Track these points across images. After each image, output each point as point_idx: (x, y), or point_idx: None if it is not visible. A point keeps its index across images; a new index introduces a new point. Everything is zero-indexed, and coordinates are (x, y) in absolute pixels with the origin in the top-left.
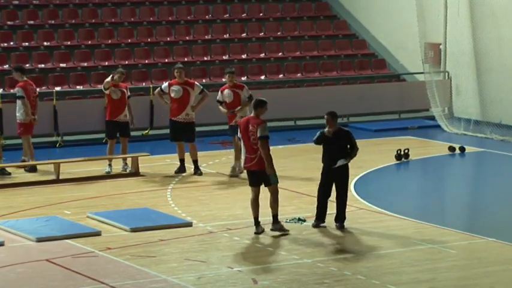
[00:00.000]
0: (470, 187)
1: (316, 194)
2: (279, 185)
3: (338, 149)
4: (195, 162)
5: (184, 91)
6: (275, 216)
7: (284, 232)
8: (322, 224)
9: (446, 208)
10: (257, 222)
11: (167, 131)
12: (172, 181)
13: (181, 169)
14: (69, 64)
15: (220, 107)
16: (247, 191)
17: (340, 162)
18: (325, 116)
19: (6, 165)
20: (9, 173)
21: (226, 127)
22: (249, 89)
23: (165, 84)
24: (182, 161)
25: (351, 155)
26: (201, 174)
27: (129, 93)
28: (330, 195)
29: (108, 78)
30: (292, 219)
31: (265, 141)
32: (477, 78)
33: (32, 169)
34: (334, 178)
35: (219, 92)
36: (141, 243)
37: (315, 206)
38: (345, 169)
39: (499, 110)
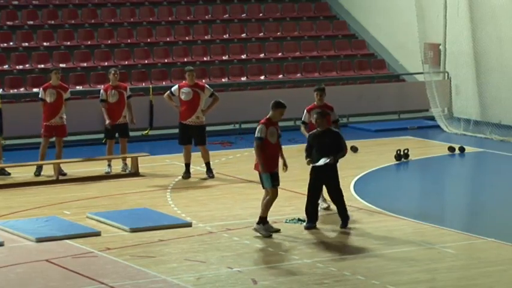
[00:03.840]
0: (470, 187)
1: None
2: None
3: (326, 148)
4: (208, 164)
5: (194, 93)
6: (261, 218)
7: (266, 235)
8: (314, 225)
9: (446, 208)
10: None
11: (167, 131)
12: (171, 181)
13: (188, 174)
14: (69, 64)
15: (304, 130)
16: (246, 191)
17: (322, 161)
18: (315, 116)
19: (6, 166)
20: (9, 173)
21: (227, 127)
22: (250, 89)
23: (175, 87)
24: (188, 165)
25: (336, 156)
26: (213, 177)
27: (129, 93)
28: (320, 196)
29: (103, 96)
30: (292, 220)
31: (256, 143)
32: (477, 79)
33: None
34: (324, 180)
35: (305, 112)
36: (141, 243)
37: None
38: (333, 170)
39: (499, 110)
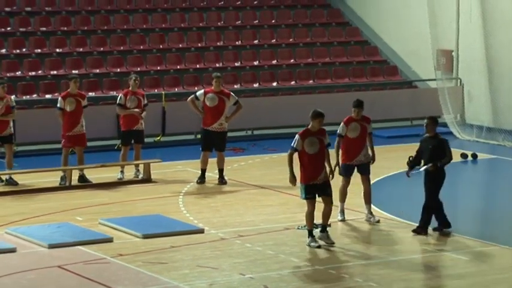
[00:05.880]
0: (483, 194)
1: None
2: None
3: (428, 154)
4: (221, 171)
5: (219, 100)
6: (308, 231)
7: (314, 246)
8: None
9: (458, 215)
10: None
11: (179, 137)
12: (184, 187)
13: (203, 180)
14: (81, 71)
15: (336, 146)
16: (258, 198)
17: (417, 169)
18: (425, 120)
19: (18, 172)
20: (17, 183)
21: (239, 133)
22: (262, 96)
23: (200, 92)
24: (204, 171)
25: (438, 163)
26: (225, 183)
27: (145, 101)
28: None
29: (121, 101)
30: (304, 226)
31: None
32: (489, 85)
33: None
34: (426, 186)
35: (342, 124)
36: (153, 249)
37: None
38: (433, 178)
39: (511, 116)
